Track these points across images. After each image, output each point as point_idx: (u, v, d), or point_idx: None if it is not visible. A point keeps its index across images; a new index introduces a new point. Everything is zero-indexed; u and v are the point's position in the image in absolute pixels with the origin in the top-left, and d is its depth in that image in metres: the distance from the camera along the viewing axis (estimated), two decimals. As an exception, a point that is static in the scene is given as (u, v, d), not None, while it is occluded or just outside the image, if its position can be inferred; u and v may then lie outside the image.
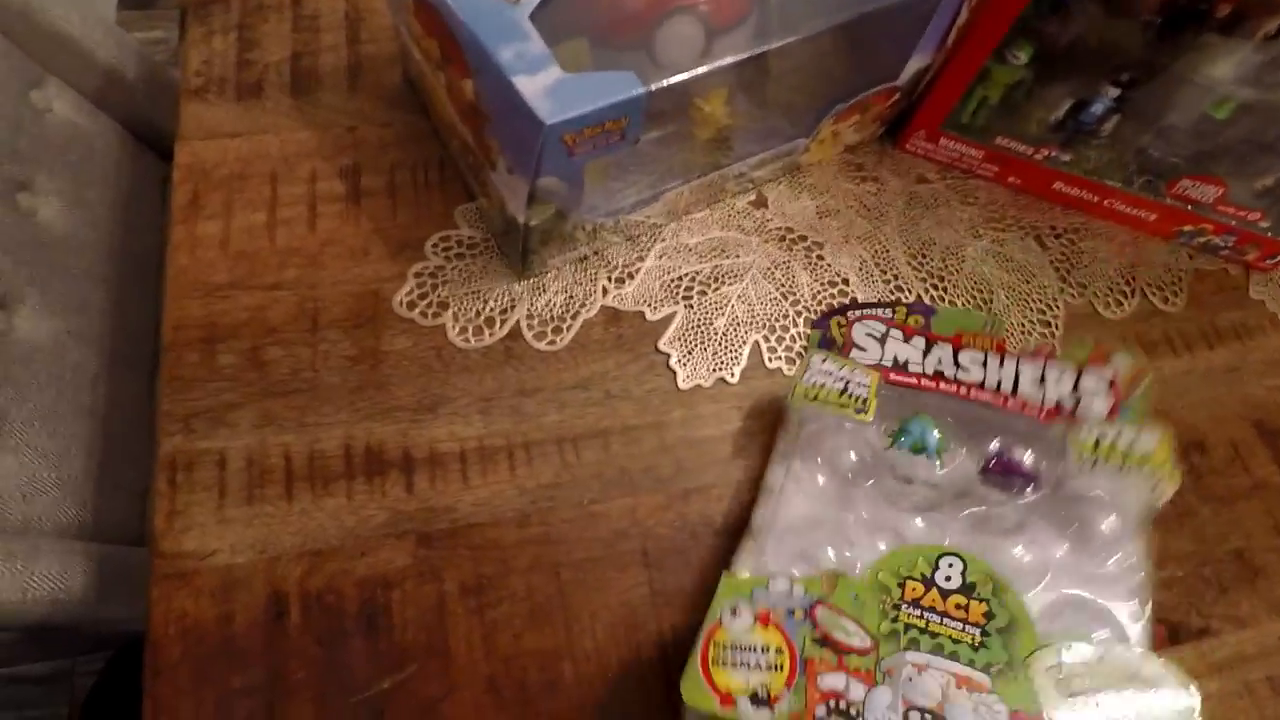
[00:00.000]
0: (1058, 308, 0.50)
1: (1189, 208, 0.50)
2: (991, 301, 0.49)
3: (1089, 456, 0.37)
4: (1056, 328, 0.49)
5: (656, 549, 0.40)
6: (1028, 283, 0.50)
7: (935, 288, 0.49)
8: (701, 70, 0.38)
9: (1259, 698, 0.41)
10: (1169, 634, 0.42)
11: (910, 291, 0.49)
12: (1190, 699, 0.31)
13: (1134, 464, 0.36)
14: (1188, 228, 0.52)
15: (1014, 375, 0.40)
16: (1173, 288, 0.52)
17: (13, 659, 0.58)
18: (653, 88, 0.36)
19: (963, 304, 0.49)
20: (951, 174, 0.53)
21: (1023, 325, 0.49)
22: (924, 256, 0.50)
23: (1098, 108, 0.47)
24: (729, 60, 0.39)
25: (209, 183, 0.46)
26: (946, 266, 0.50)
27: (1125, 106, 0.46)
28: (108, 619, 0.53)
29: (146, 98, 0.70)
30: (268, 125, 0.49)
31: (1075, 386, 0.40)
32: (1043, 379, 0.40)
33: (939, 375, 0.40)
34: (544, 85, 0.34)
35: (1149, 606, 0.36)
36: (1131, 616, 0.36)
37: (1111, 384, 0.40)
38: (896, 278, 0.49)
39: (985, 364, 0.40)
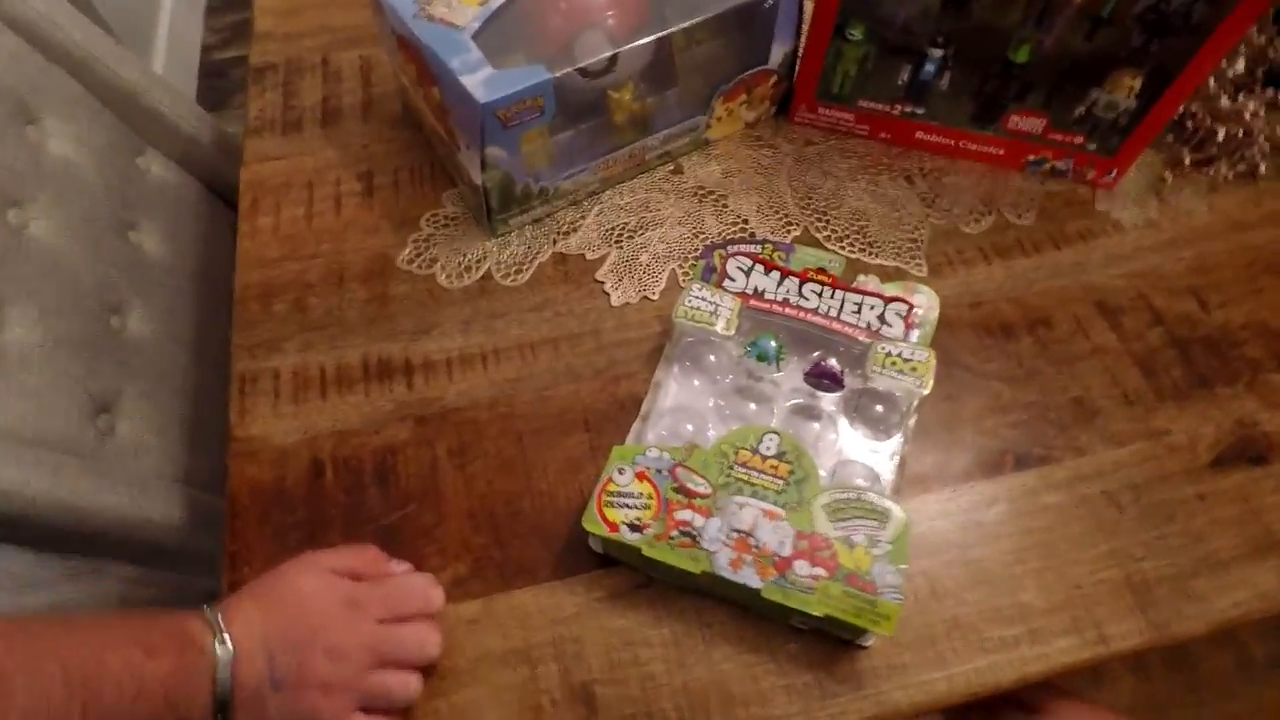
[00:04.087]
0: (924, 229, 0.61)
1: (1026, 139, 0.61)
2: (866, 227, 0.61)
3: (880, 365, 0.48)
4: (922, 243, 0.60)
5: (595, 418, 0.52)
6: (898, 211, 0.62)
7: (819, 220, 0.61)
8: (590, 61, 0.52)
9: (1094, 507, 0.50)
10: (1015, 462, 0.51)
11: (798, 226, 0.61)
12: (902, 517, 0.44)
13: (908, 370, 0.48)
14: (1032, 157, 0.63)
15: (840, 304, 0.52)
16: (1025, 206, 0.62)
17: (141, 581, 0.72)
18: (558, 74, 0.51)
19: (844, 232, 0.61)
20: (833, 136, 0.66)
21: (894, 243, 0.60)
22: (810, 199, 0.62)
23: (930, 67, 0.59)
24: (603, 56, 0.53)
25: (264, 191, 0.63)
26: (829, 204, 0.62)
27: (951, 62, 0.58)
28: (198, 549, 0.67)
29: (218, 159, 0.89)
30: (305, 149, 0.65)
31: (881, 315, 0.51)
32: (859, 309, 0.52)
33: (786, 302, 0.52)
34: (480, 79, 0.50)
35: (899, 462, 0.49)
36: (888, 471, 0.49)
37: (908, 313, 0.51)
38: (786, 216, 0.61)
39: (820, 295, 0.52)
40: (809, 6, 0.59)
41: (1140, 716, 0.66)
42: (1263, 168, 0.63)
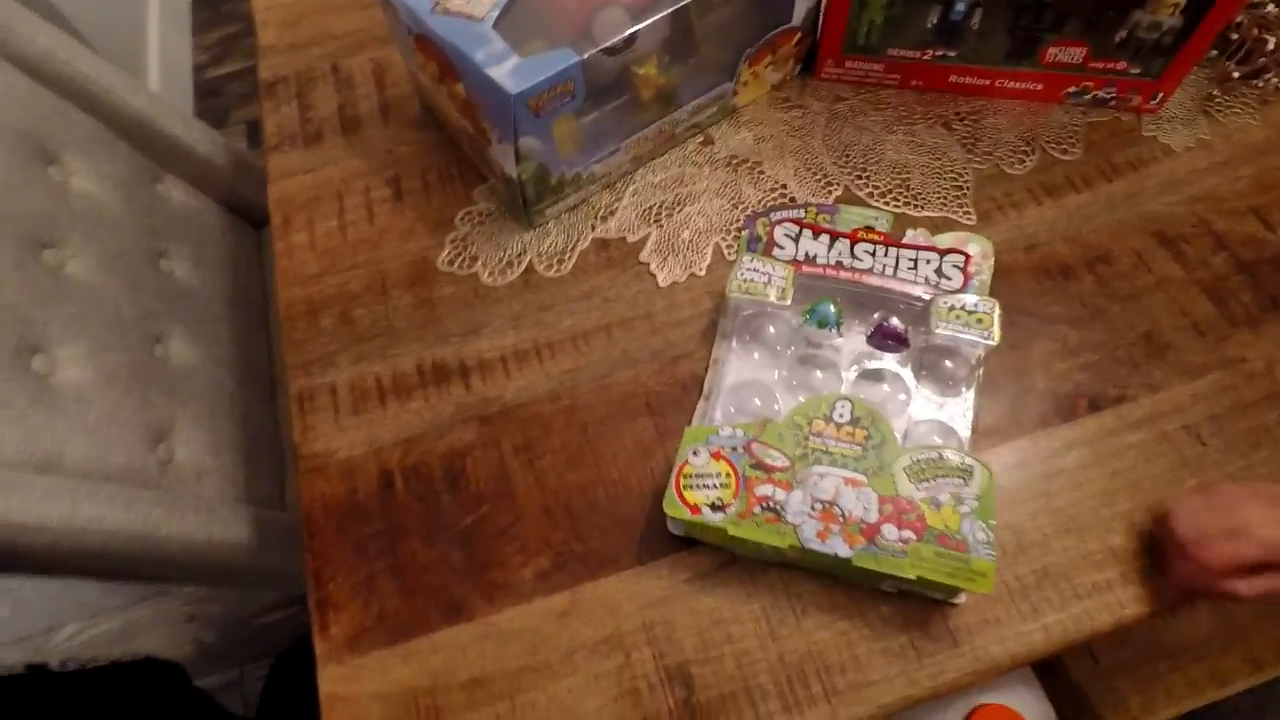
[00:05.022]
0: (967, 175, 0.59)
1: (1065, 70, 0.59)
2: (909, 179, 0.59)
3: (944, 319, 0.47)
4: (968, 190, 0.59)
5: (657, 401, 0.52)
6: (938, 160, 0.60)
7: (859, 178, 0.60)
8: (618, 39, 0.51)
9: (1176, 442, 0.49)
10: (1090, 405, 0.50)
11: (838, 185, 0.60)
12: (985, 472, 0.43)
13: (973, 323, 0.47)
14: (1072, 89, 0.61)
15: (895, 262, 0.51)
16: (1070, 140, 0.61)
17: (207, 598, 0.74)
18: (585, 56, 0.50)
19: (886, 187, 0.59)
20: (863, 90, 0.64)
21: (939, 193, 0.59)
22: (847, 156, 0.61)
23: (961, 6, 0.57)
24: (624, 34, 0.52)
25: (294, 207, 0.62)
26: (867, 160, 0.60)
27: None
28: (264, 565, 0.68)
29: (234, 178, 0.89)
30: (329, 160, 0.64)
31: (939, 269, 0.50)
32: (915, 264, 0.50)
33: (839, 265, 0.51)
34: (508, 69, 0.48)
35: (972, 415, 0.48)
36: (964, 426, 0.48)
37: (965, 264, 0.50)
38: (825, 177, 0.60)
39: (874, 254, 0.51)
40: (831, -43, 0.57)
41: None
42: (1315, 75, 0.60)
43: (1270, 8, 0.59)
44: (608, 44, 0.53)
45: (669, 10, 0.54)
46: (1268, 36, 0.59)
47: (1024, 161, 0.60)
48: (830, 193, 0.59)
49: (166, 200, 0.82)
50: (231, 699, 1.15)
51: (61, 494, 0.52)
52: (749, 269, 0.51)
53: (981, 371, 0.50)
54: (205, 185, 0.87)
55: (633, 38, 0.54)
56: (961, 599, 0.44)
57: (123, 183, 0.74)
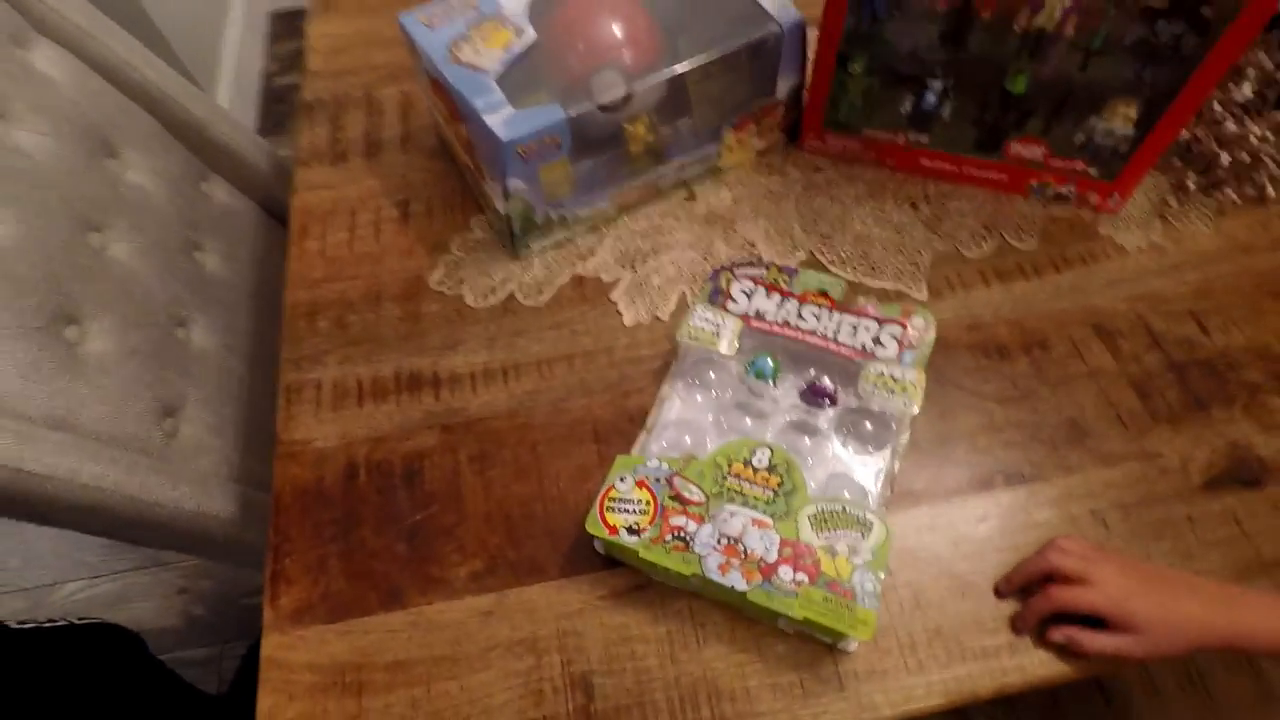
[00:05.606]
0: (925, 253, 0.63)
1: (1028, 165, 0.63)
2: (870, 251, 0.64)
3: (871, 384, 0.51)
4: (923, 267, 0.63)
5: (604, 429, 0.56)
6: (901, 236, 0.64)
7: (824, 245, 0.64)
8: (598, 104, 0.57)
9: (1081, 525, 0.51)
10: (1006, 480, 0.53)
11: (803, 250, 0.64)
12: (882, 528, 0.47)
13: (897, 390, 0.51)
14: (1035, 182, 0.65)
15: (837, 326, 0.55)
16: (1028, 230, 0.64)
17: (201, 573, 0.79)
18: (574, 113, 0.56)
19: (847, 255, 0.64)
20: (841, 163, 0.69)
21: (895, 267, 0.63)
22: (816, 223, 0.65)
23: (931, 97, 0.62)
24: (618, 94, 0.58)
25: (312, 218, 0.69)
26: (833, 229, 0.65)
27: (952, 92, 0.61)
28: (250, 542, 0.74)
29: (274, 183, 0.97)
30: (350, 179, 0.71)
31: (876, 337, 0.54)
32: (855, 330, 0.54)
33: (785, 323, 0.55)
34: (503, 118, 0.55)
35: (887, 476, 0.52)
36: (875, 485, 0.52)
37: (902, 335, 0.54)
38: (793, 240, 0.65)
39: (819, 316, 0.55)
40: (813, 41, 0.62)
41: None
42: (1271, 191, 0.63)
43: (1229, 124, 0.62)
44: (602, 102, 0.59)
45: (661, 77, 0.60)
46: (1221, 152, 0.62)
47: (981, 245, 0.64)
48: (795, 256, 0.64)
49: (209, 198, 0.90)
50: (209, 674, 1.19)
51: (71, 450, 0.58)
52: (701, 318, 0.55)
53: (907, 436, 0.53)
54: (247, 187, 0.95)
55: (628, 97, 0.60)
56: (853, 646, 0.47)
57: (173, 179, 0.82)
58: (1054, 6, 0.53)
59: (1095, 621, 0.45)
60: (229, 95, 1.68)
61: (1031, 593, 0.48)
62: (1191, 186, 0.64)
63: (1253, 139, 0.62)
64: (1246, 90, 0.63)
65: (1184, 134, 0.65)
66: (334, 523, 0.54)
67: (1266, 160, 0.62)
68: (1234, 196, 0.63)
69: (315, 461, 0.56)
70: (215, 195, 0.91)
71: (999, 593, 0.49)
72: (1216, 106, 0.63)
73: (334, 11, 0.86)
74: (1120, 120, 0.58)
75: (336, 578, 0.51)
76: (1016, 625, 0.48)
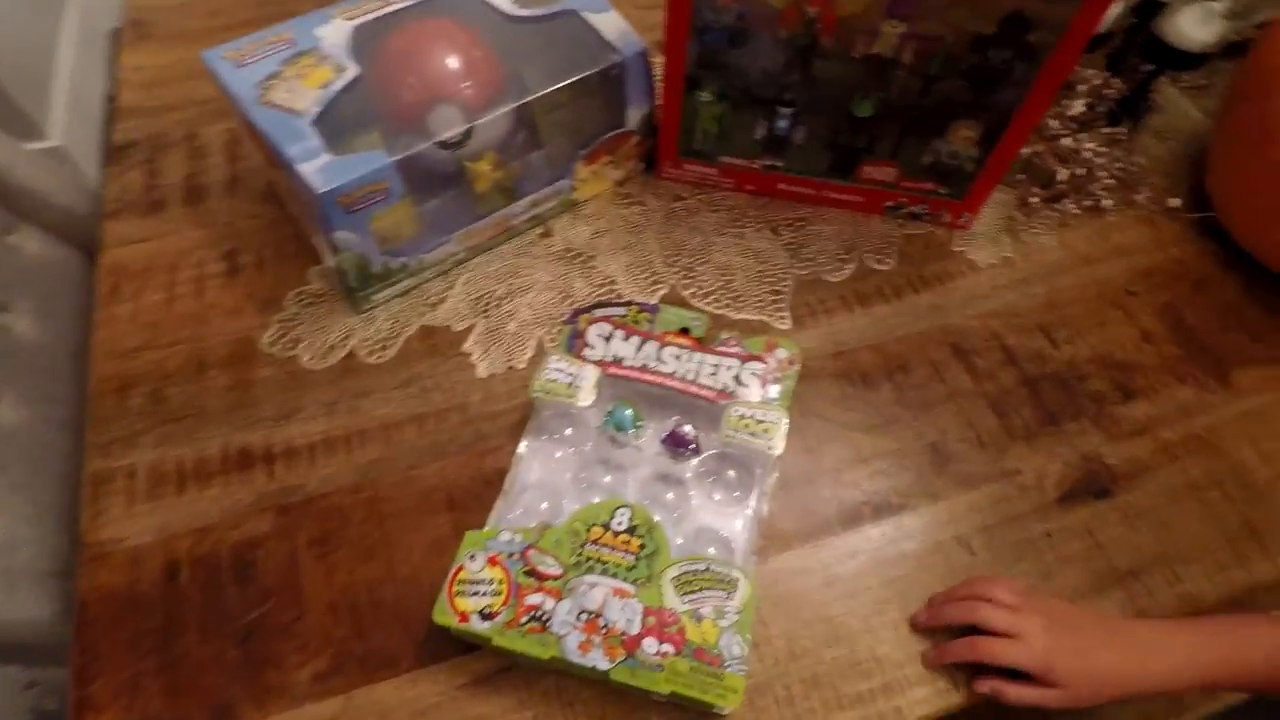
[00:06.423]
0: (788, 280, 0.62)
1: (882, 187, 0.63)
2: (732, 281, 0.62)
3: (732, 427, 0.49)
4: (786, 295, 0.62)
5: (460, 495, 0.52)
6: (763, 264, 0.63)
7: (686, 278, 0.62)
8: (436, 141, 0.53)
9: (947, 552, 0.51)
10: (873, 513, 0.53)
11: (665, 284, 0.62)
12: (748, 585, 0.44)
13: (759, 432, 0.49)
14: (890, 204, 0.65)
15: (698, 367, 0.53)
16: (886, 251, 0.64)
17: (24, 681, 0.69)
18: (400, 155, 0.51)
19: (710, 288, 0.62)
20: (702, 191, 0.67)
21: (758, 297, 0.62)
22: (678, 255, 0.63)
23: (783, 122, 0.61)
24: (457, 130, 0.54)
25: (125, 276, 0.61)
26: (695, 261, 0.63)
27: (802, 117, 0.60)
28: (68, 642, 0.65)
29: (98, 227, 0.87)
30: (168, 230, 0.64)
31: (737, 376, 0.52)
32: (715, 370, 0.52)
33: (644, 368, 0.53)
34: (318, 166, 0.49)
35: (753, 525, 0.50)
36: (741, 535, 0.49)
37: (763, 372, 0.52)
38: (654, 274, 0.62)
39: (679, 358, 0.53)
40: (660, 69, 0.60)
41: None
42: (1107, 201, 0.65)
43: (1066, 140, 0.64)
44: (435, 139, 0.55)
45: (503, 110, 0.56)
46: (1059, 167, 0.64)
47: (842, 269, 0.63)
48: (656, 291, 0.61)
49: (17, 251, 0.79)
50: None
51: None
52: (554, 369, 0.52)
53: (775, 477, 0.52)
54: (65, 234, 0.85)
55: (468, 133, 0.56)
56: (728, 709, 0.45)
57: (-40, 236, 0.72)
58: (890, 34, 0.53)
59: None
60: (65, 121, 1.52)
61: (952, 631, 0.47)
62: (1035, 201, 0.65)
63: (1086, 152, 0.64)
64: (1079, 106, 0.65)
65: (1025, 150, 0.66)
66: (152, 633, 0.47)
67: (1100, 173, 0.65)
68: (1074, 208, 0.65)
69: (128, 563, 0.49)
70: (25, 247, 0.80)
71: (915, 625, 0.48)
72: (1052, 123, 0.65)
73: (149, 40, 0.78)
74: (962, 142, 0.58)
75: (154, 698, 0.45)
76: (928, 659, 0.47)
